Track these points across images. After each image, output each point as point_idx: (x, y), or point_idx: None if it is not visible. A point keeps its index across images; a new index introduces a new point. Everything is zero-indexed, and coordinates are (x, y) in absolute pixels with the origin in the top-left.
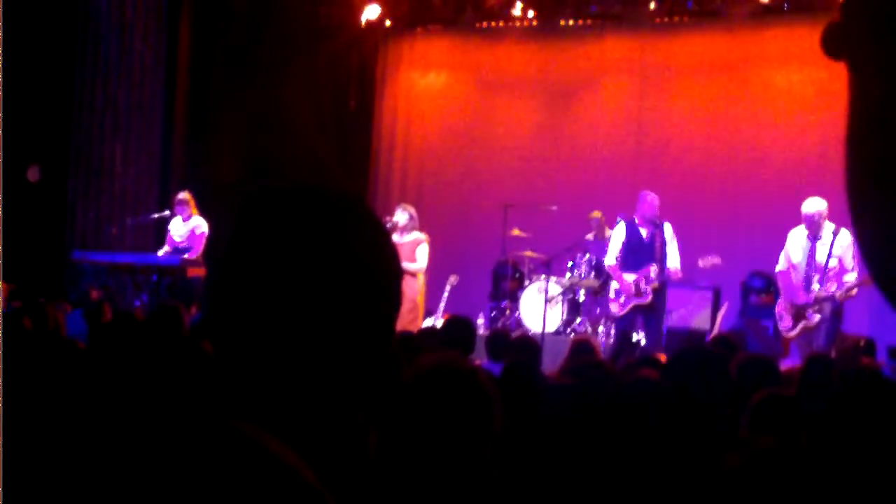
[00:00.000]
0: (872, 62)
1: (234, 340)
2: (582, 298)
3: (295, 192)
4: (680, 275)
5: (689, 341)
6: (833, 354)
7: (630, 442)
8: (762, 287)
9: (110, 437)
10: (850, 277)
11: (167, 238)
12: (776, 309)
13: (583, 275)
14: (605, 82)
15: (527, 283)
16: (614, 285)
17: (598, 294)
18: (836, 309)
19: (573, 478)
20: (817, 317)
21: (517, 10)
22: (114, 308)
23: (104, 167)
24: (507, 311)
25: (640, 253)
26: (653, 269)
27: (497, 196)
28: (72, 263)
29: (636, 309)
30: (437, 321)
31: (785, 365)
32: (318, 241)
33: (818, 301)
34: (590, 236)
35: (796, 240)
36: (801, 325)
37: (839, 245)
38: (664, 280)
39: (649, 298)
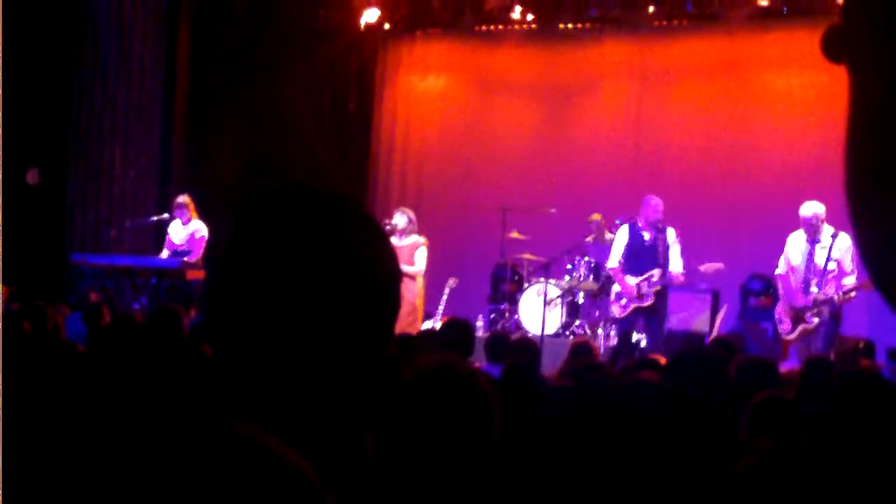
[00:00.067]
0: (872, 64)
1: (232, 342)
2: (581, 301)
3: (292, 194)
4: (682, 279)
5: (688, 344)
6: (832, 357)
7: (629, 444)
8: (761, 290)
9: (111, 439)
10: (849, 280)
11: (166, 241)
12: (775, 312)
13: (582, 277)
14: (604, 85)
15: (526, 285)
16: (616, 288)
17: (597, 297)
18: (835, 312)
19: (572, 480)
20: (816, 320)
21: (516, 14)
22: (113, 311)
23: (103, 169)
24: (506, 314)
25: (642, 256)
26: (655, 273)
27: (496, 199)
28: (71, 266)
29: (637, 311)
30: (436, 324)
31: (784, 368)
32: (315, 243)
33: (817, 304)
34: (589, 239)
35: (795, 243)
36: (799, 328)
37: (838, 248)
38: (666, 284)
39: (650, 301)
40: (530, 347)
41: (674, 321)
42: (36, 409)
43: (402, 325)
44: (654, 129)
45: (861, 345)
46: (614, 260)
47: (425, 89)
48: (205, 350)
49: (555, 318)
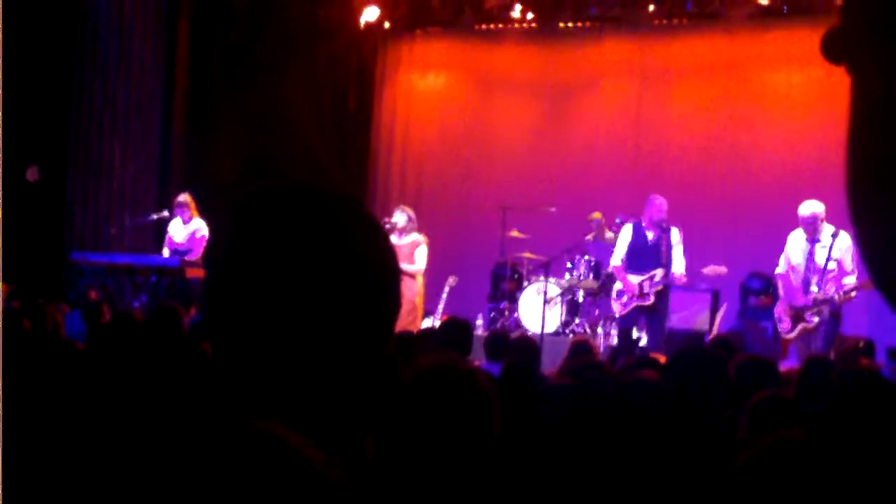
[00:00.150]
0: (873, 64)
1: (231, 341)
2: (581, 299)
3: (292, 193)
4: (685, 280)
5: (688, 343)
6: (832, 356)
7: (629, 443)
8: (761, 289)
9: (124, 436)
10: (850, 280)
11: (166, 240)
12: (775, 311)
13: (581, 276)
14: (605, 84)
15: (525, 284)
16: (618, 286)
17: (597, 295)
18: (835, 311)
19: (572, 479)
20: (816, 319)
21: (516, 12)
22: (113, 309)
23: (103, 167)
24: (506, 312)
25: (645, 255)
26: (658, 273)
27: (496, 197)
28: (70, 264)
29: (639, 310)
30: (435, 322)
31: (784, 367)
32: (315, 242)
33: (817, 303)
34: (589, 237)
35: (796, 242)
36: (799, 328)
37: (838, 247)
38: (668, 284)
39: (651, 300)
40: (530, 346)
41: (674, 320)
42: (35, 407)
43: (403, 323)
44: (654, 128)
45: (861, 344)
46: (617, 258)
47: (425, 88)
48: (204, 348)
49: (554, 317)
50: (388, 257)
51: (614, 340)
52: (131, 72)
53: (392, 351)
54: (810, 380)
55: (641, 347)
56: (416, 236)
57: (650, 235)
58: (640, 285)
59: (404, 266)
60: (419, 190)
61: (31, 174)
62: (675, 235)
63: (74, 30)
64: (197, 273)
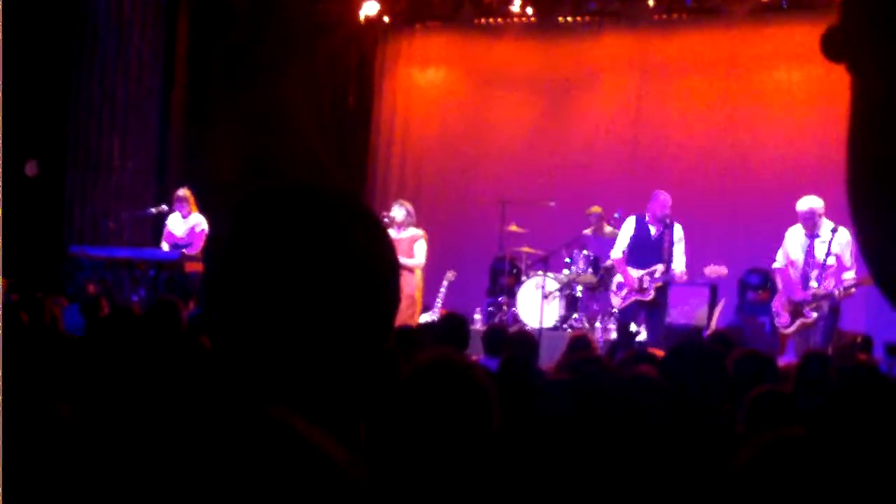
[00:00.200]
0: (873, 62)
1: (231, 335)
2: (579, 294)
3: (292, 190)
4: (685, 278)
5: (685, 337)
6: (830, 351)
7: (626, 438)
8: (759, 284)
9: (137, 431)
10: (849, 275)
11: (165, 234)
12: (773, 305)
13: (580, 270)
14: (604, 79)
15: (524, 278)
16: (617, 278)
17: (596, 290)
18: (834, 307)
19: (570, 473)
20: (815, 314)
21: (516, 7)
22: (111, 302)
23: (102, 162)
24: (505, 307)
25: (646, 250)
26: (659, 269)
27: (495, 192)
28: (69, 258)
29: (638, 304)
30: (434, 316)
31: (782, 362)
32: (314, 238)
33: (816, 299)
34: (588, 231)
35: (794, 237)
36: (798, 322)
37: (837, 243)
38: (668, 281)
39: (651, 296)
40: (528, 340)
41: (673, 315)
42: (33, 399)
43: (402, 317)
44: (653, 123)
45: (859, 339)
46: (618, 250)
47: (425, 82)
48: (203, 342)
49: (553, 312)
50: (388, 253)
51: (613, 335)
52: (130, 68)
53: (391, 346)
54: (808, 375)
55: (640, 342)
56: (414, 230)
57: (653, 230)
58: (640, 280)
59: (403, 260)
60: (418, 184)
61: (31, 169)
62: (678, 232)
63: (74, 26)
64: (196, 267)
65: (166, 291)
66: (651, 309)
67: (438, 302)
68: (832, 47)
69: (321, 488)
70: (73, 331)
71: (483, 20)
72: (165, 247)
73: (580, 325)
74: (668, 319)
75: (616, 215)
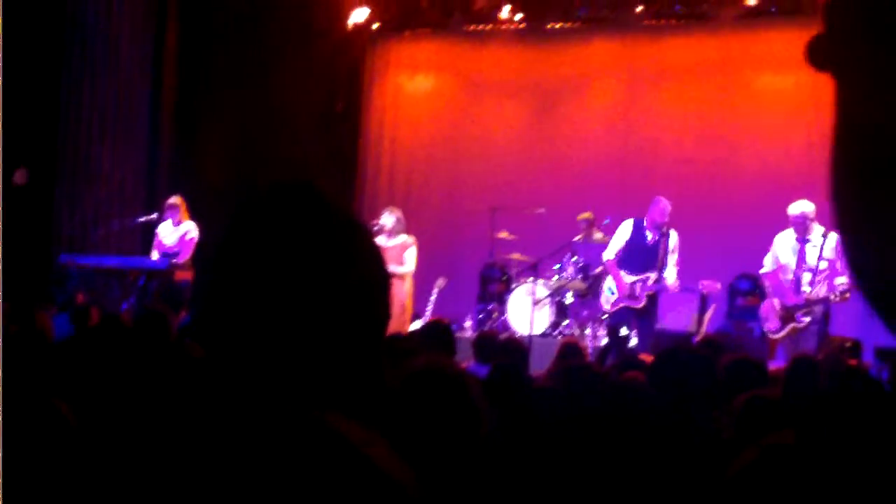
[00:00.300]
0: (857, 71)
1: (224, 343)
2: (569, 300)
3: (281, 199)
4: (677, 289)
5: (674, 343)
6: (819, 356)
7: (616, 444)
8: (749, 289)
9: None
10: (842, 280)
11: (155, 242)
12: (761, 310)
13: (570, 277)
14: (593, 85)
15: (514, 285)
16: (608, 283)
17: (586, 296)
18: (826, 311)
19: (559, 479)
20: (807, 319)
21: (505, 13)
22: (101, 311)
23: (91, 170)
24: (495, 314)
25: (640, 255)
26: (651, 277)
27: (485, 199)
28: (59, 266)
29: (629, 311)
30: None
31: (772, 367)
32: (304, 249)
33: (809, 303)
34: (578, 238)
35: (784, 242)
36: (789, 327)
37: (829, 247)
38: (659, 290)
39: (642, 304)
40: (518, 348)
41: (664, 321)
42: (27, 407)
43: (393, 325)
44: (642, 129)
45: (848, 344)
46: (611, 251)
47: (414, 89)
48: (193, 351)
49: (543, 318)
50: (377, 261)
51: (603, 342)
52: (119, 76)
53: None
54: (798, 380)
55: (630, 348)
56: (404, 238)
57: (649, 236)
58: (633, 287)
59: (393, 268)
60: (408, 191)
61: (20, 177)
62: (673, 240)
63: (62, 34)
64: (185, 275)
65: (156, 300)
66: (641, 316)
67: (429, 310)
68: (817, 55)
69: (368, 494)
70: (62, 340)
71: (472, 27)
72: (156, 255)
73: (570, 332)
74: (658, 325)
75: (606, 222)
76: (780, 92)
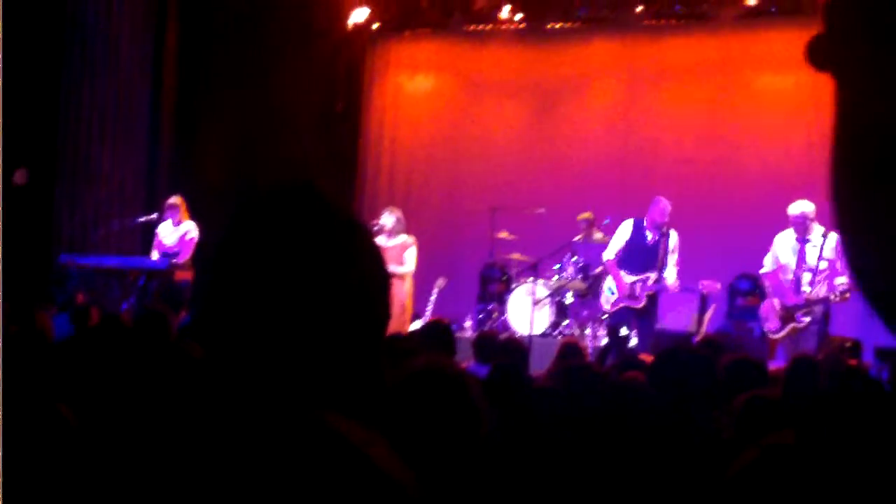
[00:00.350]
0: (857, 72)
1: (224, 343)
2: (569, 300)
3: (281, 200)
4: (677, 289)
5: (674, 343)
6: (819, 356)
7: (616, 444)
8: (749, 289)
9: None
10: (842, 280)
11: (155, 242)
12: (760, 310)
13: (570, 277)
14: (593, 85)
15: (514, 285)
16: (608, 283)
17: (586, 296)
18: (826, 311)
19: (559, 478)
20: (807, 319)
21: (505, 14)
22: (101, 311)
23: (91, 170)
24: (494, 314)
25: (640, 255)
26: (652, 277)
27: (485, 199)
28: (59, 266)
29: (629, 311)
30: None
31: (772, 367)
32: (305, 248)
33: (809, 303)
34: (578, 238)
35: (784, 242)
36: (789, 327)
37: (829, 247)
38: (659, 291)
39: (643, 303)
40: (518, 348)
41: (664, 321)
42: (26, 406)
43: (394, 325)
44: (642, 129)
45: (848, 344)
46: (611, 251)
47: (414, 89)
48: (193, 351)
49: (543, 319)
50: (377, 261)
51: (603, 342)
52: (119, 74)
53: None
54: (797, 379)
55: (630, 348)
56: (404, 238)
57: (649, 236)
58: (633, 287)
59: (394, 268)
60: (408, 191)
61: (20, 177)
62: (673, 240)
63: (62, 31)
64: (185, 275)
65: (156, 300)
66: (641, 316)
67: (429, 310)
68: (817, 55)
69: (369, 494)
70: (62, 340)
71: (472, 27)
72: (156, 255)
73: (570, 332)
74: (658, 325)
75: (606, 222)
76: (780, 92)
